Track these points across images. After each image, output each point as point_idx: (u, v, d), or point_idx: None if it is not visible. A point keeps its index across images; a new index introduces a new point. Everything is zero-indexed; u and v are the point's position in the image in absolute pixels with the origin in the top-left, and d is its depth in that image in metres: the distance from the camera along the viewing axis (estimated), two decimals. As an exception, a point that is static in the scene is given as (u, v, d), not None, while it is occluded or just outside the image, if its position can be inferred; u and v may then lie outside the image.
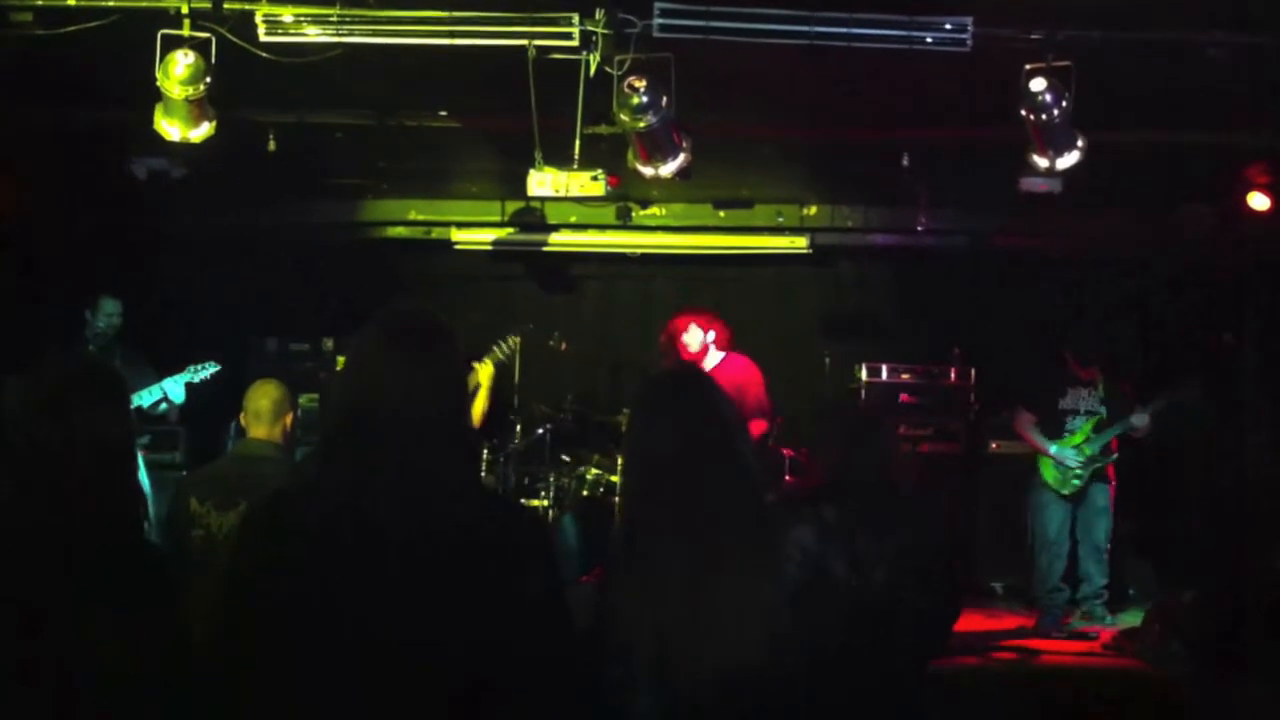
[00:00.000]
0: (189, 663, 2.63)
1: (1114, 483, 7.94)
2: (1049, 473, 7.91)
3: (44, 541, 2.73)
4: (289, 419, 4.96)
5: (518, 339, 8.80)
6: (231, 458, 5.07)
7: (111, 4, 5.82)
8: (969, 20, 5.78)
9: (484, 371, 8.46)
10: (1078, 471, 7.81)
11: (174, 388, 7.43)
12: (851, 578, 2.86)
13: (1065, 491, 7.87)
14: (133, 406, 7.01)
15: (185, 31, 5.84)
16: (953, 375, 9.74)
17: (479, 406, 8.44)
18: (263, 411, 4.89)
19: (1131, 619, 7.67)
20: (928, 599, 3.01)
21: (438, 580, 2.33)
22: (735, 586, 2.65)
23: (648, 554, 2.72)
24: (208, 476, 4.86)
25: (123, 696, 2.64)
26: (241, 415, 5.00)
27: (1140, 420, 7.78)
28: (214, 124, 6.21)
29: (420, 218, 10.00)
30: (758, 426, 8.12)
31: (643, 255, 10.16)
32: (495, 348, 8.57)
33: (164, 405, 7.51)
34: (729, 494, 2.73)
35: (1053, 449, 7.83)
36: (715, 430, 2.79)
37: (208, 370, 7.52)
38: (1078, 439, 7.85)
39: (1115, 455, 7.90)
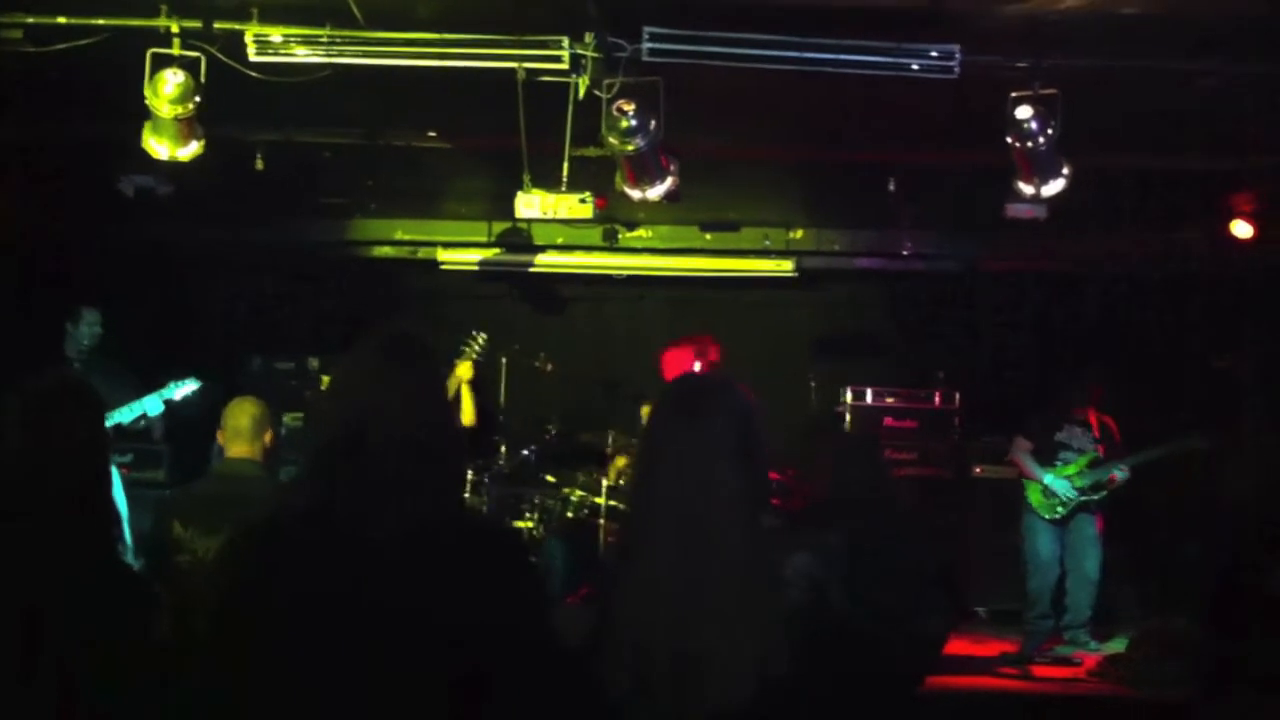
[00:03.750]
0: (159, 681, 2.63)
1: (1101, 514, 7.96)
2: (1035, 497, 7.95)
3: (13, 556, 2.72)
4: (269, 436, 4.92)
5: (488, 337, 8.79)
6: (214, 478, 5.00)
7: (102, 22, 5.82)
8: (956, 48, 5.81)
9: (461, 372, 8.48)
10: (1063, 500, 7.85)
11: (153, 404, 7.37)
12: (848, 603, 2.84)
13: (1048, 516, 7.90)
14: (112, 424, 7.06)
15: (175, 50, 5.84)
16: (938, 399, 9.75)
17: (467, 406, 8.47)
18: (243, 429, 4.84)
19: (1116, 645, 7.68)
20: (925, 619, 3.00)
21: (434, 587, 2.35)
22: (731, 605, 2.63)
23: (646, 564, 2.70)
24: (190, 498, 4.81)
25: (97, 709, 2.64)
26: (219, 434, 4.94)
27: (1122, 474, 7.82)
28: (202, 143, 6.21)
29: (407, 237, 10.00)
30: None
31: (629, 276, 10.17)
32: (466, 347, 8.59)
33: (143, 422, 7.46)
34: (733, 512, 2.69)
35: (1046, 478, 7.86)
36: (732, 443, 2.71)
37: (187, 386, 7.46)
38: (1070, 470, 7.88)
39: (1106, 494, 7.92)
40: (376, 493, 2.39)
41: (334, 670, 2.31)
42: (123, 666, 2.68)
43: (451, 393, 8.41)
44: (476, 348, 8.64)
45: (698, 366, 8.38)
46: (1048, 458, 7.94)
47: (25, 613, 2.66)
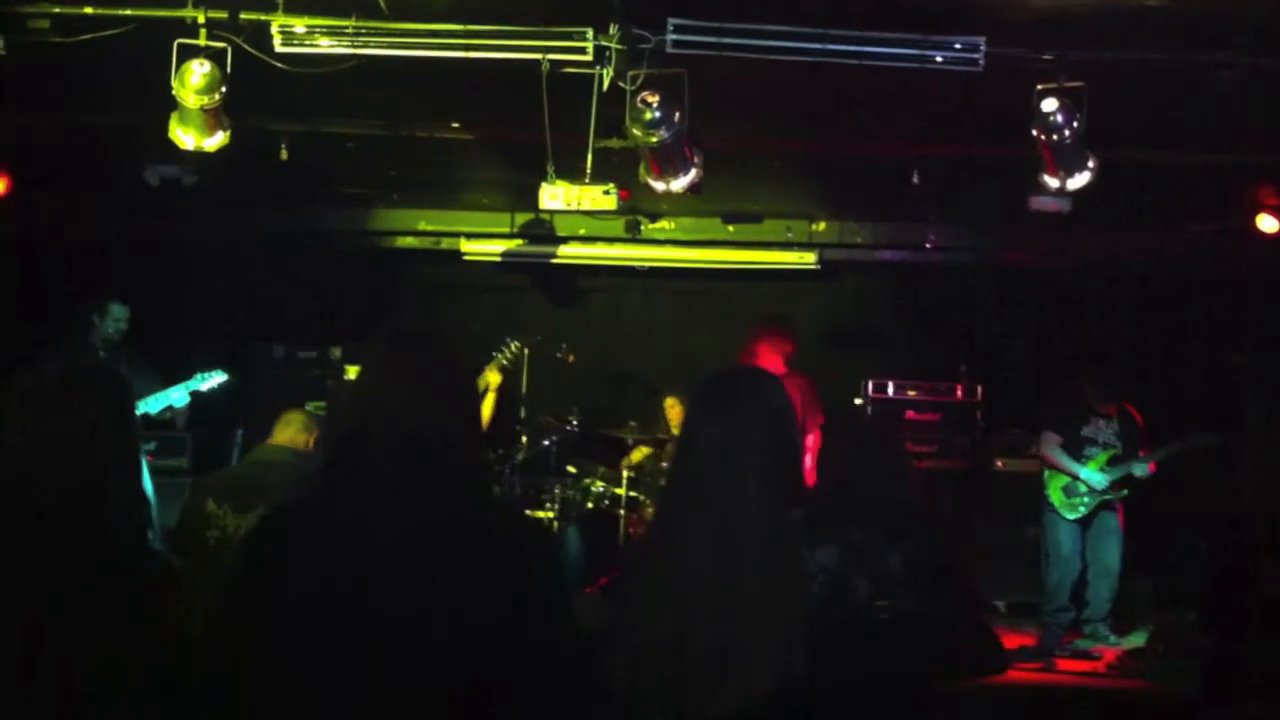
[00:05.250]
0: (186, 667, 2.64)
1: (1122, 507, 7.95)
2: (1056, 496, 7.94)
3: (40, 541, 2.74)
4: (313, 440, 5.02)
5: (520, 344, 8.80)
6: (248, 463, 5.12)
7: (128, 12, 5.84)
8: (981, 40, 5.79)
9: (491, 378, 8.49)
10: (1085, 499, 7.83)
11: (180, 395, 7.44)
12: (874, 598, 2.83)
13: (1069, 516, 7.89)
14: (139, 414, 7.12)
15: (201, 41, 5.86)
16: (959, 392, 9.74)
17: (485, 412, 8.47)
18: (292, 422, 4.97)
19: (1136, 640, 7.67)
20: (949, 615, 3.00)
21: (438, 585, 2.34)
22: (756, 599, 2.62)
23: (673, 553, 2.69)
24: (224, 479, 4.91)
25: (121, 697, 2.65)
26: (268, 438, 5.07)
27: (1142, 471, 7.81)
28: (229, 133, 6.24)
29: (430, 228, 10.02)
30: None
31: (651, 268, 10.17)
32: (498, 354, 8.58)
33: (169, 413, 7.53)
34: (761, 503, 2.67)
35: (1082, 472, 7.84)
36: (760, 436, 2.71)
37: (214, 378, 7.52)
38: (1092, 467, 7.86)
39: (1126, 492, 7.91)
40: (378, 490, 2.38)
41: (333, 670, 2.31)
42: (126, 664, 2.69)
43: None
44: (510, 355, 8.65)
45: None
46: (1074, 452, 7.92)
47: (29, 607, 2.68)
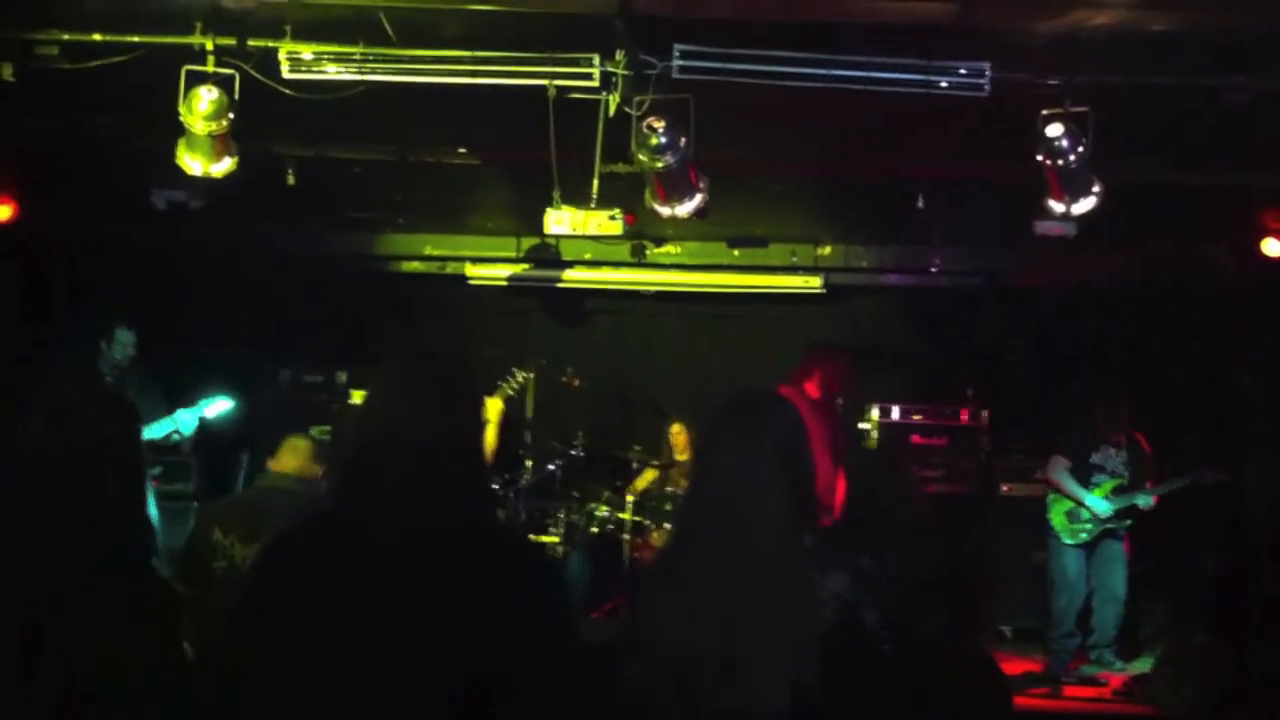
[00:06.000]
0: (188, 679, 2.65)
1: (1127, 534, 7.92)
2: (1058, 520, 7.92)
3: (41, 543, 2.75)
4: (320, 470, 5.02)
5: (527, 374, 8.78)
6: (256, 489, 5.12)
7: (136, 39, 5.87)
8: (986, 65, 5.80)
9: (492, 407, 8.46)
10: (1088, 525, 7.81)
11: (186, 421, 7.44)
12: (884, 626, 2.84)
13: (1070, 541, 7.87)
14: (144, 439, 7.11)
15: (209, 67, 5.89)
16: (964, 416, 9.71)
17: (488, 443, 8.45)
18: (299, 449, 4.96)
19: (1142, 665, 7.64)
20: (955, 638, 2.99)
21: (439, 587, 2.36)
22: (765, 615, 2.62)
23: (687, 572, 2.70)
24: (230, 508, 4.91)
25: (121, 698, 2.66)
26: (271, 461, 5.05)
27: (1146, 503, 7.79)
28: (236, 159, 6.25)
29: (436, 253, 10.04)
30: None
31: (656, 292, 10.18)
32: (504, 383, 8.55)
33: (175, 437, 7.53)
34: (776, 525, 2.67)
35: (1088, 499, 7.82)
36: (772, 459, 2.71)
37: (220, 404, 7.53)
38: (1098, 494, 7.84)
39: (1130, 523, 7.89)
40: (379, 495, 2.41)
41: (334, 672, 2.33)
42: (126, 665, 2.70)
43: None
44: (515, 385, 8.62)
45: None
46: (1082, 478, 7.90)
47: (30, 607, 2.68)
